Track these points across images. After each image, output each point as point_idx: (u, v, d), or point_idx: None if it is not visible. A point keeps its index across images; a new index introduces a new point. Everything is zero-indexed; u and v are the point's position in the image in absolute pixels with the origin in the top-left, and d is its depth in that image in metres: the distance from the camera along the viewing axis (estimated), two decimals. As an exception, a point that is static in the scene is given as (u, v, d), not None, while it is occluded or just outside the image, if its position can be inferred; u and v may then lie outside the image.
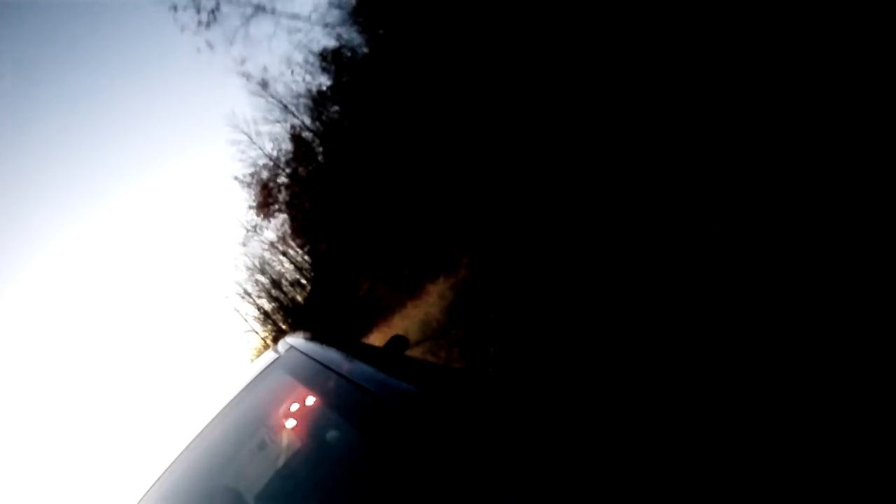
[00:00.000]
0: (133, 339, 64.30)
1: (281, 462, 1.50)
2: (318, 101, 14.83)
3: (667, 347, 2.64)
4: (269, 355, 1.64)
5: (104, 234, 70.77)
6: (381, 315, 13.15)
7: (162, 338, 59.77)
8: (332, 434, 1.27)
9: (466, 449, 0.76)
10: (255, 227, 19.30)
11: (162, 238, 63.94)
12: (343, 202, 13.93)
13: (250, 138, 17.34)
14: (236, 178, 18.01)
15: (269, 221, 18.53)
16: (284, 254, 23.13)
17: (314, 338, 1.54)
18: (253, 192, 17.78)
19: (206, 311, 52.07)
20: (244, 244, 20.91)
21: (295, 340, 1.57)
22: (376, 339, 11.15)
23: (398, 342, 2.21)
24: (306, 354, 1.38)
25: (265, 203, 17.50)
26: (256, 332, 26.09)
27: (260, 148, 17.35)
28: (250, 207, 18.27)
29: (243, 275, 25.34)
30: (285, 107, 15.67)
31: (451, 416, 0.87)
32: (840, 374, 1.77)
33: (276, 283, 24.29)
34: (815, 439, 1.47)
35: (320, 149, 16.08)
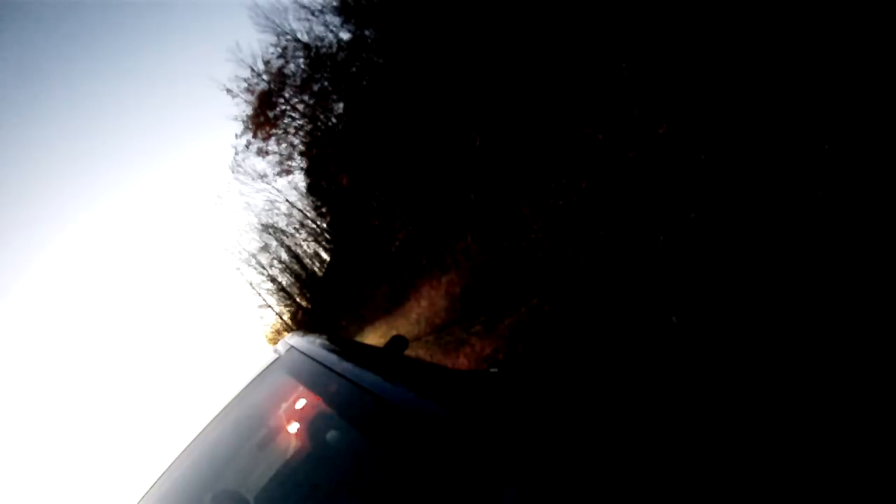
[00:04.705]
0: (142, 333, 64.18)
1: (281, 462, 1.50)
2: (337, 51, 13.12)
3: (667, 344, 2.65)
4: (269, 356, 1.65)
5: (111, 227, 70.86)
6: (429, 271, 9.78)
7: (172, 330, 59.35)
8: (331, 434, 1.28)
9: (468, 444, 0.76)
10: (247, 144, 16.31)
11: (167, 229, 63.34)
12: (369, 139, 12.06)
13: (254, 70, 14.91)
14: (228, 90, 15.50)
15: (266, 142, 15.84)
16: (302, 224, 21.25)
17: (314, 338, 1.54)
18: (247, 102, 15.36)
19: (218, 294, 51.40)
20: (234, 169, 18.08)
21: (295, 340, 1.57)
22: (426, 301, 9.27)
23: (398, 342, 2.21)
24: (306, 354, 1.39)
25: (262, 114, 14.93)
26: (271, 307, 24.64)
27: (262, 74, 14.87)
28: (243, 122, 15.58)
29: (253, 239, 23.34)
30: (298, 40, 13.77)
31: (450, 414, 0.88)
32: (840, 372, 1.78)
33: (294, 255, 22.76)
34: (815, 439, 1.48)
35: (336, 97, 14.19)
